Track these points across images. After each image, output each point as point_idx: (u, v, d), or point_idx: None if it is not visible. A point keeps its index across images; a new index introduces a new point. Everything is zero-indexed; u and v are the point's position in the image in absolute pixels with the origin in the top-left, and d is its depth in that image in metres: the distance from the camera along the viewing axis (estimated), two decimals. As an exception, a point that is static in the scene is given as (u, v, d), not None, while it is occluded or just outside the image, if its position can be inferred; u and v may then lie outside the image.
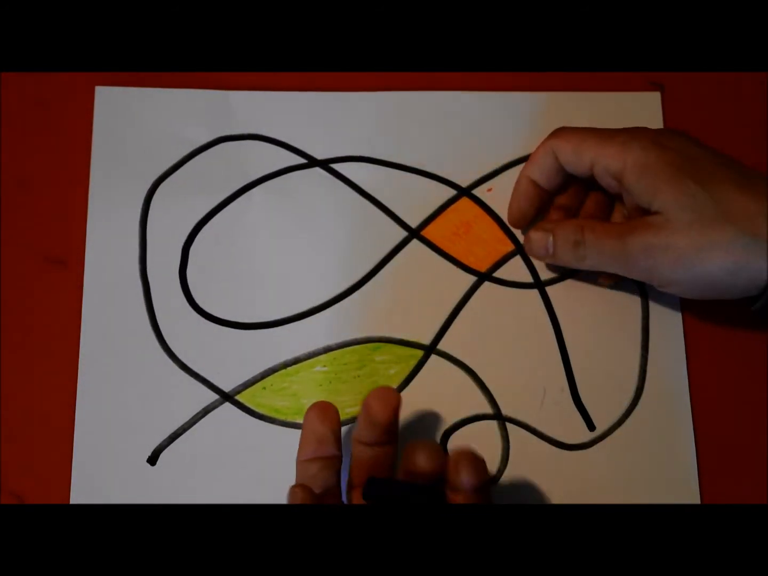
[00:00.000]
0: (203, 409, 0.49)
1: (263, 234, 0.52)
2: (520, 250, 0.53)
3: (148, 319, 0.50)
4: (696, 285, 0.45)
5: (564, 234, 0.48)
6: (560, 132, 0.48)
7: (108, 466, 0.48)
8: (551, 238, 0.49)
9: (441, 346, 0.51)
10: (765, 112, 0.55)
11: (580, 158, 0.47)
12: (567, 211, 0.50)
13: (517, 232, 0.53)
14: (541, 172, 0.49)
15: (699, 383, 0.51)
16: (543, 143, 0.49)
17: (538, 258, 0.51)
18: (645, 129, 0.47)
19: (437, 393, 0.50)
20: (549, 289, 0.52)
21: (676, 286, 0.46)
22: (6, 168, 0.52)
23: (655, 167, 0.45)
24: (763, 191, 0.44)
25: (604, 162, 0.46)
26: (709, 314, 0.52)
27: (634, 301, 0.52)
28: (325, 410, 0.44)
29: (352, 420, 0.49)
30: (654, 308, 0.52)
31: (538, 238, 0.49)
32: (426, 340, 0.51)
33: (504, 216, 0.53)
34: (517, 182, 0.51)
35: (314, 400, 0.49)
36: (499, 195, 0.53)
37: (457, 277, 0.52)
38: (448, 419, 0.50)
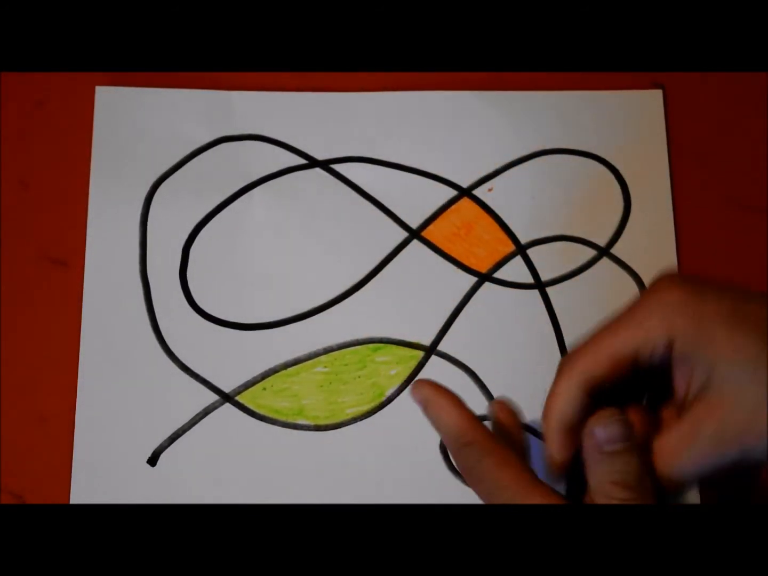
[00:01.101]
0: (203, 409, 0.49)
1: (263, 234, 0.52)
2: (520, 250, 0.53)
3: (148, 320, 0.50)
4: None
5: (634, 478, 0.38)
6: (575, 357, 0.39)
7: (108, 467, 0.48)
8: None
9: (441, 346, 0.51)
10: (765, 112, 0.55)
11: (618, 359, 0.38)
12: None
13: (518, 233, 0.53)
14: (573, 409, 0.39)
15: (700, 384, 0.50)
16: (562, 379, 0.39)
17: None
18: (654, 292, 0.39)
19: (438, 393, 0.50)
20: (549, 290, 0.52)
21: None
22: (6, 168, 0.52)
23: (707, 326, 0.37)
24: None
25: (648, 346, 0.38)
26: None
27: (634, 302, 0.52)
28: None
29: (352, 420, 0.49)
30: (654, 309, 0.52)
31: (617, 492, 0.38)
32: (426, 340, 0.51)
33: (505, 216, 0.53)
34: (550, 436, 0.40)
35: (314, 401, 0.49)
36: (500, 195, 0.53)
37: (457, 278, 0.52)
38: (449, 420, 0.50)
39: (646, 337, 0.38)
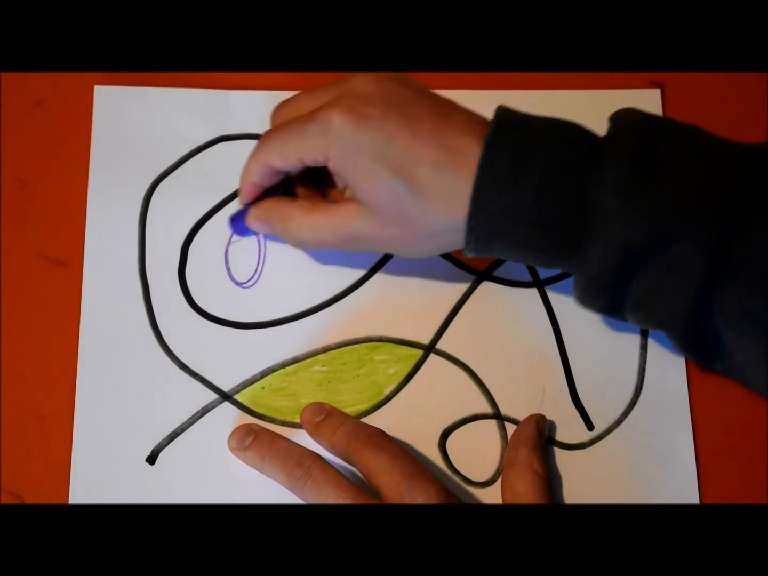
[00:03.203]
0: (202, 408, 0.49)
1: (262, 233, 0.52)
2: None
3: (147, 319, 0.50)
4: (414, 254, 0.47)
5: (276, 226, 0.48)
6: (264, 139, 0.48)
7: (107, 466, 0.48)
8: (268, 227, 0.49)
9: (440, 345, 0.51)
10: (765, 112, 0.55)
11: (289, 161, 0.47)
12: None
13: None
14: (259, 177, 0.48)
15: (698, 383, 0.50)
16: (253, 154, 0.48)
17: (258, 231, 0.50)
18: (343, 99, 0.45)
19: (436, 392, 0.50)
20: (548, 289, 0.52)
21: (396, 255, 0.49)
22: (5, 167, 0.52)
23: (353, 160, 0.45)
24: (464, 168, 0.43)
25: (310, 158, 0.46)
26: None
27: (633, 301, 0.52)
28: None
29: (352, 420, 0.49)
30: (654, 308, 0.52)
31: (256, 226, 0.49)
32: (425, 339, 0.51)
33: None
34: (240, 185, 0.50)
35: (313, 400, 0.49)
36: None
37: (456, 277, 0.52)
38: (447, 419, 0.50)
39: (309, 150, 0.45)
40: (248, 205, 0.50)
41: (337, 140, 0.44)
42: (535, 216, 0.43)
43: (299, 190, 0.50)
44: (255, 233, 0.51)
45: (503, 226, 0.43)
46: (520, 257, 0.45)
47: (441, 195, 0.44)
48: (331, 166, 0.46)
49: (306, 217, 0.47)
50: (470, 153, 0.44)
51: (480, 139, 0.44)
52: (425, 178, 0.44)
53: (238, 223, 0.51)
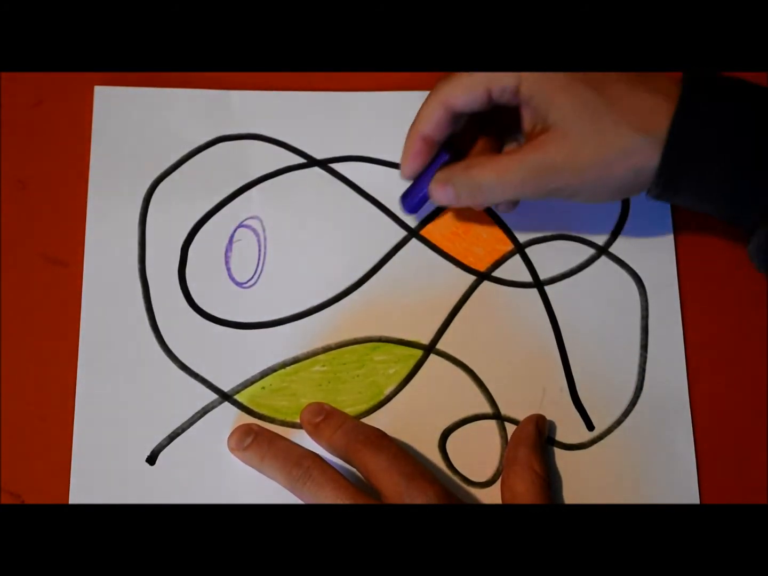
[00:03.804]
0: (202, 408, 0.49)
1: (262, 234, 0.52)
2: (519, 249, 0.53)
3: (147, 319, 0.50)
4: (601, 191, 0.46)
5: (460, 182, 0.47)
6: (445, 81, 0.47)
7: (107, 466, 0.48)
8: (451, 188, 0.47)
9: (440, 345, 0.51)
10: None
11: (474, 93, 0.46)
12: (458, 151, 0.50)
13: (517, 232, 0.53)
14: (433, 126, 0.47)
15: (698, 383, 0.50)
16: (430, 98, 0.47)
17: (448, 205, 0.50)
18: None
19: (436, 392, 0.50)
20: (548, 289, 0.52)
21: (581, 197, 0.47)
22: (5, 168, 0.52)
23: (550, 75, 0.45)
24: (656, 86, 0.45)
25: (500, 84, 0.46)
26: (709, 314, 0.52)
27: (634, 301, 0.52)
28: None
29: (352, 420, 0.49)
30: (654, 308, 0.52)
31: (439, 192, 0.48)
32: (425, 339, 0.51)
33: (503, 215, 0.53)
34: (409, 141, 0.48)
35: (313, 400, 0.49)
36: (499, 194, 0.53)
37: (456, 277, 0.52)
38: (447, 419, 0.50)
39: (495, 76, 0.45)
40: (416, 181, 0.50)
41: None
42: (745, 142, 0.43)
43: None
44: (420, 207, 0.51)
45: (706, 141, 0.43)
46: (707, 189, 0.45)
47: (637, 108, 0.44)
48: (524, 89, 0.45)
49: (491, 159, 0.46)
50: (666, 85, 0.45)
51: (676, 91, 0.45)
52: (621, 93, 0.44)
53: (408, 201, 0.51)
